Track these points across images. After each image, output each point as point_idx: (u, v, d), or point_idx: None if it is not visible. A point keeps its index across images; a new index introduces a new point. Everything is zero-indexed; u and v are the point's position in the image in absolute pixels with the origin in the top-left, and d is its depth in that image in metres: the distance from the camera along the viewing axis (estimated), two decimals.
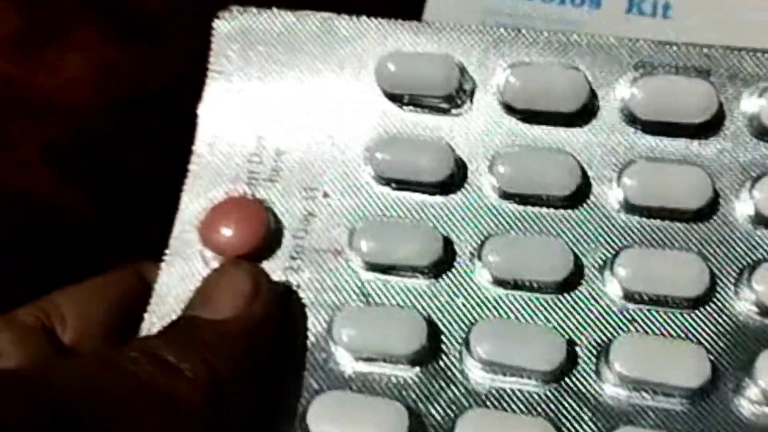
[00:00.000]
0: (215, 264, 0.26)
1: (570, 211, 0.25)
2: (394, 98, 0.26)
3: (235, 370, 0.22)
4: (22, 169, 0.31)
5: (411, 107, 0.26)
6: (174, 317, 0.25)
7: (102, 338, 0.27)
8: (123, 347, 0.22)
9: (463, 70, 0.26)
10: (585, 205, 0.25)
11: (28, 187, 0.31)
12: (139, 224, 0.26)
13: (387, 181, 0.26)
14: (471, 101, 0.26)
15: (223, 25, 0.27)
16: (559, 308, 0.24)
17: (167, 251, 0.26)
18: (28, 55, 0.31)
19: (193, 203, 0.26)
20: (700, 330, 0.24)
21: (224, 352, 0.22)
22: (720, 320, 0.24)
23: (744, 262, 0.24)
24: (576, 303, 0.25)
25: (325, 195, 0.26)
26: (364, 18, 0.27)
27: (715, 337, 0.24)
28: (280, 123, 0.27)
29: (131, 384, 0.20)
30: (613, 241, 0.25)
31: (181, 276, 0.26)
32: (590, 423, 0.23)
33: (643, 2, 0.34)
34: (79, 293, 0.27)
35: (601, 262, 0.25)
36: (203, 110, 0.27)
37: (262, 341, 0.24)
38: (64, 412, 0.18)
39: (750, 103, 0.25)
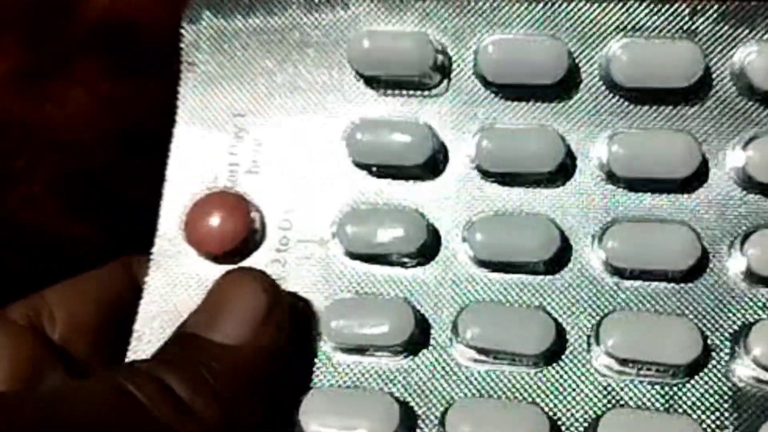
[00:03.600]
0: (201, 261, 0.27)
1: (554, 187, 0.26)
2: (370, 81, 0.27)
3: (245, 407, 0.22)
4: (30, 203, 0.33)
5: (388, 90, 0.27)
6: (164, 317, 0.26)
7: (91, 335, 0.28)
8: (132, 371, 0.22)
9: (437, 47, 0.26)
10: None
11: (36, 220, 0.33)
12: (145, 253, 0.27)
13: (367, 167, 0.26)
14: (448, 79, 0.27)
15: (195, 17, 0.28)
16: (549, 290, 0.25)
17: (153, 250, 0.27)
18: (32, 89, 0.32)
19: (175, 200, 0.27)
20: (691, 304, 0.24)
21: (235, 387, 0.22)
22: (712, 293, 0.24)
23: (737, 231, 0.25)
24: (566, 284, 0.25)
25: (307, 184, 0.27)
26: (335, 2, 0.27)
27: (706, 311, 0.24)
28: (257, 113, 0.28)
29: (143, 419, 0.21)
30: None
31: (168, 275, 0.27)
32: (583, 404, 0.24)
33: None
34: (69, 290, 0.28)
35: (590, 236, 0.25)
36: (179, 104, 0.28)
37: (276, 366, 0.23)
38: None
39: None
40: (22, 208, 0.34)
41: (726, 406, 0.24)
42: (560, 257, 0.25)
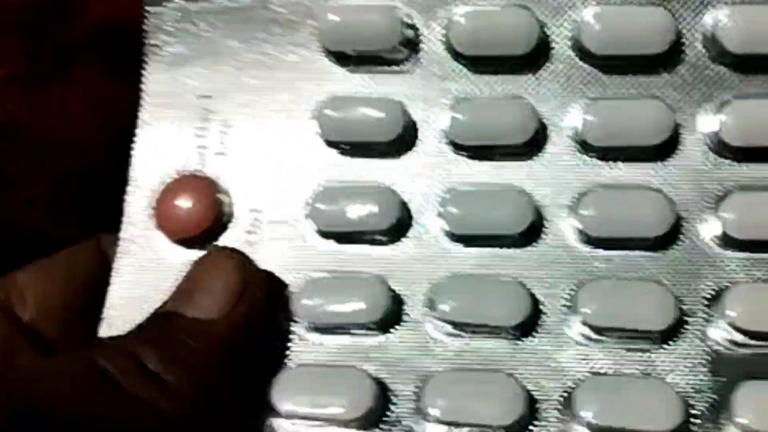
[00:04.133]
0: (170, 245, 0.27)
1: (527, 159, 0.26)
2: (339, 57, 0.27)
3: (219, 380, 0.22)
4: (30, 207, 0.33)
5: (357, 66, 0.27)
6: (133, 303, 0.26)
7: (63, 315, 0.27)
8: (105, 347, 0.22)
9: (406, 21, 0.26)
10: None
11: (36, 223, 0.33)
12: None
13: (338, 144, 0.26)
14: (418, 53, 0.26)
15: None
16: (524, 262, 0.25)
17: (120, 235, 0.27)
18: (32, 93, 0.32)
19: (143, 184, 0.27)
20: (666, 270, 0.24)
21: (208, 360, 0.22)
22: (686, 258, 0.24)
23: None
24: (541, 255, 0.25)
25: (278, 165, 0.27)
26: None
27: (681, 277, 0.24)
28: (224, 94, 0.27)
29: (114, 394, 0.21)
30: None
31: (136, 260, 0.27)
32: (560, 374, 0.24)
33: None
34: (39, 271, 0.28)
35: (564, 206, 0.25)
36: (144, 88, 0.28)
37: (251, 341, 0.23)
38: (43, 415, 0.19)
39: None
40: (22, 210, 0.34)
41: (702, 369, 0.24)
42: (534, 229, 0.25)
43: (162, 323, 0.23)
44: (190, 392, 0.21)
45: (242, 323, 0.23)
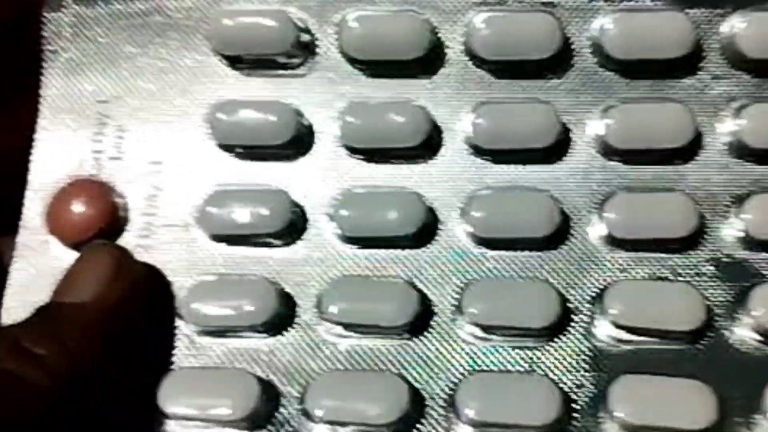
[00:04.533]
0: (65, 250, 0.26)
1: (421, 162, 0.26)
2: (233, 62, 0.27)
3: (92, 354, 0.23)
4: None
5: (252, 70, 0.27)
6: (28, 308, 0.25)
7: None
8: None
9: (300, 25, 0.27)
10: None
11: None
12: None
13: (231, 148, 0.26)
14: (313, 57, 0.27)
15: (56, 4, 0.28)
16: (416, 263, 0.25)
17: (17, 241, 0.27)
18: None
19: (39, 189, 0.27)
20: (553, 269, 0.25)
21: (82, 336, 0.23)
22: (573, 258, 0.25)
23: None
24: (433, 256, 0.25)
25: (172, 169, 0.27)
26: None
27: (567, 275, 0.25)
28: (121, 99, 0.27)
29: None
30: None
31: (32, 265, 0.27)
32: (447, 373, 0.24)
33: None
34: None
35: (457, 208, 0.25)
36: (42, 93, 0.28)
37: (124, 322, 0.25)
38: None
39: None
40: None
41: (585, 365, 0.24)
42: (427, 231, 0.25)
43: (42, 311, 0.24)
44: (62, 364, 0.22)
45: (116, 303, 0.24)
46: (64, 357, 0.22)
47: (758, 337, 0.24)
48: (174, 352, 0.25)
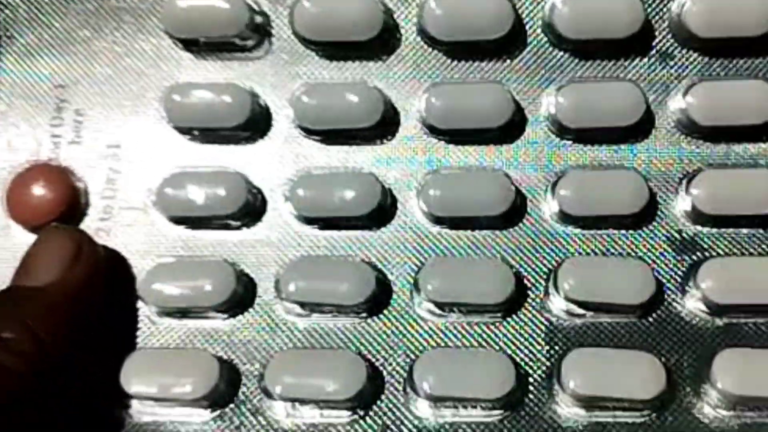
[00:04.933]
0: (27, 234, 0.27)
1: (376, 143, 0.26)
2: (188, 45, 0.27)
3: (57, 336, 0.23)
4: None
5: (207, 53, 0.27)
6: None
7: None
8: None
9: (254, 7, 0.27)
10: None
11: None
12: None
13: (188, 131, 0.26)
14: (269, 39, 0.27)
15: None
16: (374, 242, 0.25)
17: None
18: None
19: (0, 174, 0.27)
20: (508, 246, 0.25)
21: (46, 319, 0.23)
22: (528, 235, 0.25)
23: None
24: (391, 236, 0.26)
25: (129, 152, 0.27)
26: None
27: (522, 252, 0.25)
28: (77, 83, 0.27)
29: None
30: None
31: None
32: (405, 350, 0.24)
33: None
34: None
35: (414, 188, 0.26)
36: (1, 78, 0.28)
37: (86, 304, 0.25)
38: None
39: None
40: None
41: (539, 340, 0.24)
42: (384, 210, 0.26)
43: (3, 297, 0.24)
44: (30, 347, 0.23)
45: (78, 285, 0.24)
46: (31, 340, 0.23)
47: (706, 309, 0.24)
48: (134, 333, 0.25)
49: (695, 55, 0.26)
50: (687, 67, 0.26)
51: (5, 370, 0.22)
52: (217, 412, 0.24)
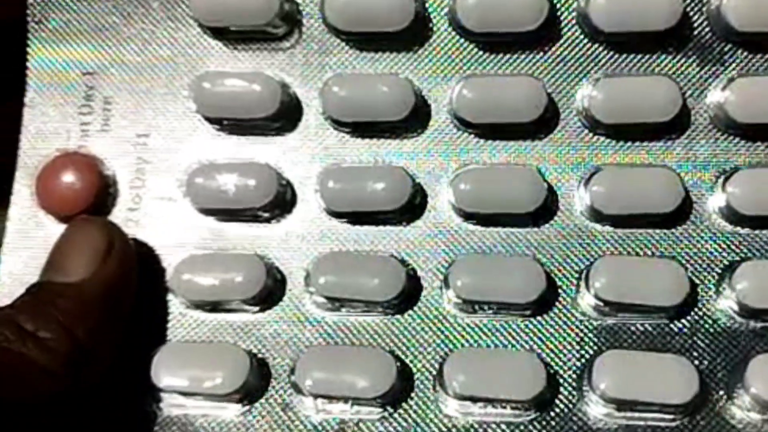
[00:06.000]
0: (57, 224, 0.26)
1: (408, 136, 0.26)
2: (217, 34, 0.27)
3: (92, 333, 0.23)
4: None
5: (236, 43, 0.26)
6: (24, 279, 0.25)
7: None
8: None
9: None
10: None
11: None
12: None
13: (217, 121, 0.26)
14: (299, 29, 0.26)
15: None
16: (403, 237, 0.25)
17: (9, 213, 0.27)
18: None
19: (29, 163, 0.27)
20: (540, 244, 0.25)
21: (80, 316, 0.23)
22: (559, 233, 0.25)
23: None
24: (419, 231, 0.25)
25: (158, 141, 0.26)
26: None
27: (553, 250, 0.25)
28: (106, 70, 0.27)
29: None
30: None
31: (25, 239, 0.27)
32: (434, 348, 0.24)
33: None
34: None
35: (444, 183, 0.25)
36: (29, 65, 0.27)
37: (120, 299, 0.25)
38: None
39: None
40: None
41: (569, 340, 0.24)
42: (414, 205, 0.25)
43: (36, 291, 0.24)
44: (66, 346, 0.22)
45: (111, 280, 0.24)
46: (66, 339, 0.22)
47: (741, 312, 0.24)
48: (164, 325, 0.25)
49: (734, 49, 0.25)
50: (725, 62, 0.25)
51: (40, 369, 0.22)
52: (247, 407, 0.24)
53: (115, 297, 0.24)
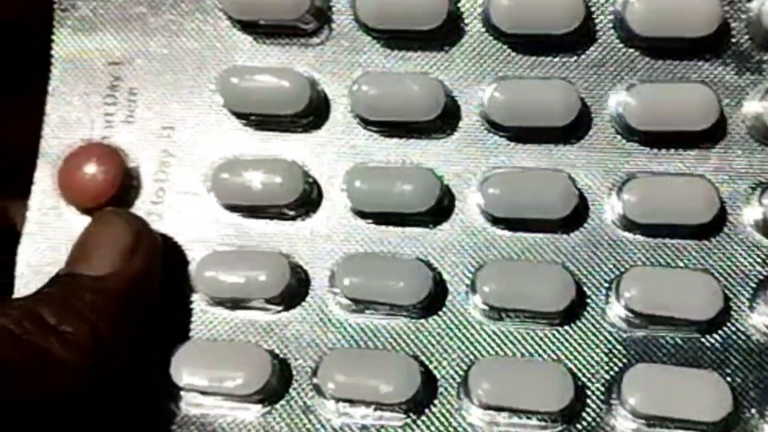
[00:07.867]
0: (78, 215, 0.26)
1: (436, 138, 0.25)
2: (246, 27, 0.26)
3: (116, 329, 0.23)
4: None
5: (265, 37, 0.26)
6: (43, 270, 0.25)
7: None
8: (3, 307, 0.22)
9: None
10: None
11: None
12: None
13: (244, 116, 0.25)
14: (329, 25, 0.26)
15: None
16: (430, 241, 0.24)
17: (29, 205, 0.26)
18: None
19: (51, 153, 0.26)
20: (569, 252, 0.24)
21: (105, 311, 0.23)
22: (589, 241, 0.24)
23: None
24: (447, 235, 0.24)
25: (183, 134, 0.26)
26: None
27: (583, 259, 0.24)
28: (132, 61, 0.26)
29: (11, 343, 0.21)
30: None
31: (45, 230, 0.26)
32: (459, 353, 0.24)
33: None
34: None
35: (473, 185, 0.24)
36: (54, 53, 0.27)
37: (144, 295, 0.24)
38: None
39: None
40: None
41: (598, 352, 0.23)
42: (442, 208, 0.25)
43: (59, 283, 0.23)
44: (89, 341, 0.22)
45: (137, 276, 0.23)
46: (89, 334, 0.22)
47: None
48: (185, 322, 0.25)
49: None
50: (764, 71, 0.24)
51: (62, 364, 0.21)
52: (267, 408, 0.24)
53: (138, 293, 0.23)
